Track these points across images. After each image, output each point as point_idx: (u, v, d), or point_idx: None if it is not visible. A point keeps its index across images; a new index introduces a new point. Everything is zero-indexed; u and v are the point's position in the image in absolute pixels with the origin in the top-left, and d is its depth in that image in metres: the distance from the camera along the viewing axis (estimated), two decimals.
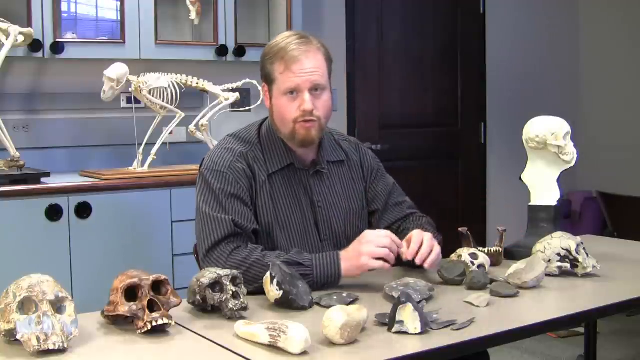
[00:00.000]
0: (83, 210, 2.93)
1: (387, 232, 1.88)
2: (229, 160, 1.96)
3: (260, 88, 3.39)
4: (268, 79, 2.00)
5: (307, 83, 1.92)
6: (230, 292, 1.59)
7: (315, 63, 1.94)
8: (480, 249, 2.07)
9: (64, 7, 3.33)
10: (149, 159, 3.25)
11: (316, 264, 1.84)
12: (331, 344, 1.43)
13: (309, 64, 1.93)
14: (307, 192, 2.03)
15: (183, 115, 3.30)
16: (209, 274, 1.61)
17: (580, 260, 1.96)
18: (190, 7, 3.51)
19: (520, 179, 2.30)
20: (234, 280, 1.62)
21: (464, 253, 1.98)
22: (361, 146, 2.22)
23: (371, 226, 2.14)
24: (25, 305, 1.39)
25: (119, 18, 3.35)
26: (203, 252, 1.88)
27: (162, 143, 3.31)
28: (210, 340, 1.48)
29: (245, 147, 2.01)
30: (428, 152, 4.67)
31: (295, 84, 1.92)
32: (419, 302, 1.60)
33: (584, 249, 1.99)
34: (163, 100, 3.23)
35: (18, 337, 1.36)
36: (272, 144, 2.03)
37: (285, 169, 2.02)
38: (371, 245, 1.83)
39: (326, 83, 1.97)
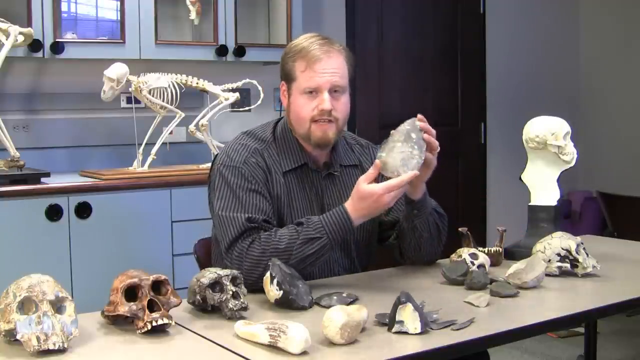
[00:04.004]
0: (83, 210, 2.93)
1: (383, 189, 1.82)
2: (244, 155, 1.96)
3: (260, 89, 3.47)
4: (288, 77, 1.99)
5: (327, 83, 1.92)
6: (230, 292, 1.59)
7: (337, 64, 1.94)
8: (480, 249, 2.07)
9: (64, 7, 3.33)
10: (149, 159, 3.25)
11: (328, 230, 1.83)
12: (331, 344, 1.43)
13: (330, 65, 1.93)
14: (318, 194, 2.03)
15: (183, 115, 3.30)
16: (209, 274, 1.61)
17: (580, 260, 1.96)
18: (190, 7, 3.52)
19: (520, 179, 2.30)
20: (234, 280, 1.62)
21: (464, 253, 1.98)
22: (372, 148, 2.20)
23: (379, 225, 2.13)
24: (25, 305, 1.39)
25: (119, 18, 3.35)
26: (223, 250, 1.89)
27: (162, 143, 3.31)
28: (210, 340, 1.48)
29: (259, 145, 2.01)
30: None
31: (316, 84, 1.92)
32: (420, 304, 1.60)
33: (584, 249, 1.99)
34: (163, 100, 3.23)
35: (18, 337, 1.36)
36: (286, 143, 2.03)
37: (299, 169, 2.02)
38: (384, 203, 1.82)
39: (346, 85, 1.97)
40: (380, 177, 1.86)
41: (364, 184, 1.83)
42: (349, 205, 1.86)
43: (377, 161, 1.86)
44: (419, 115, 1.89)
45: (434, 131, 1.89)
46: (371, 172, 1.85)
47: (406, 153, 1.84)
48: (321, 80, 1.92)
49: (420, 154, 1.84)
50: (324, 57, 1.93)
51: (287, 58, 1.98)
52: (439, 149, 1.90)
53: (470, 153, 4.93)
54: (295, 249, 1.82)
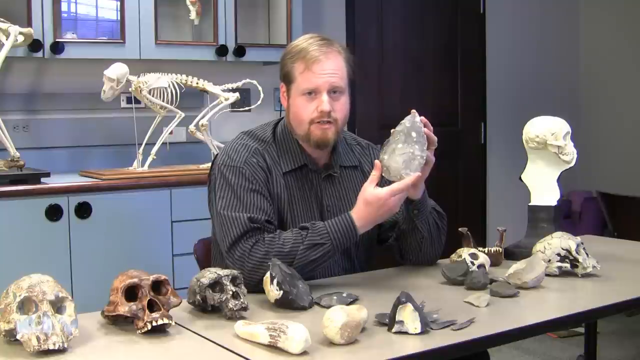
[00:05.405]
0: (83, 210, 2.93)
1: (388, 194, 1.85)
2: (245, 155, 1.96)
3: (260, 89, 3.47)
4: (287, 79, 1.99)
5: (326, 84, 1.92)
6: (230, 292, 1.59)
7: (336, 65, 1.94)
8: (480, 249, 2.07)
9: (64, 7, 3.33)
10: (149, 159, 3.25)
11: (333, 237, 1.85)
12: (331, 344, 1.43)
13: (329, 66, 1.92)
14: (317, 195, 2.03)
15: (183, 115, 3.30)
16: (209, 274, 1.61)
17: (580, 260, 1.96)
18: (190, 7, 3.52)
19: (520, 179, 2.30)
20: (234, 280, 1.62)
21: (464, 253, 1.98)
22: (372, 148, 2.19)
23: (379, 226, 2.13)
24: (25, 305, 1.39)
25: (119, 18, 3.35)
26: (224, 250, 1.88)
27: (162, 143, 3.31)
28: (210, 340, 1.48)
29: (260, 145, 2.01)
30: None
31: (314, 85, 1.92)
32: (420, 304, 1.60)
33: (584, 249, 1.99)
34: (163, 100, 3.23)
35: (18, 337, 1.36)
36: (286, 144, 2.02)
37: (298, 170, 2.01)
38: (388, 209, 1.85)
39: (345, 86, 1.97)
40: (381, 179, 1.86)
41: (369, 189, 1.84)
42: (354, 212, 1.87)
43: (377, 162, 1.86)
44: (413, 110, 1.90)
45: (431, 126, 1.90)
46: (374, 174, 1.85)
47: (407, 154, 1.84)
48: (320, 81, 1.92)
49: (421, 153, 1.85)
50: (322, 58, 1.92)
51: (287, 59, 1.98)
52: (436, 145, 1.91)
53: (470, 153, 4.93)
54: (299, 253, 1.82)
